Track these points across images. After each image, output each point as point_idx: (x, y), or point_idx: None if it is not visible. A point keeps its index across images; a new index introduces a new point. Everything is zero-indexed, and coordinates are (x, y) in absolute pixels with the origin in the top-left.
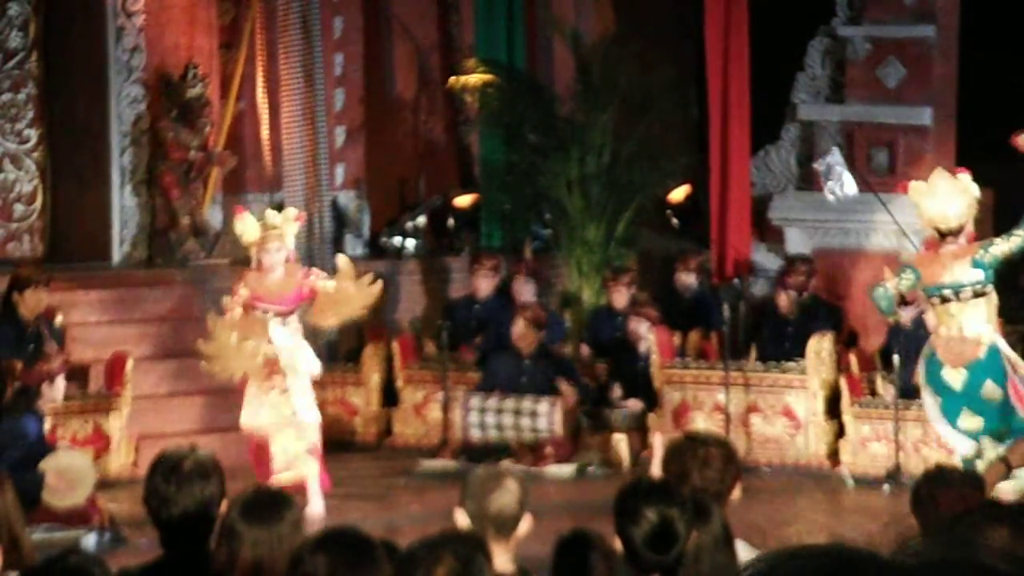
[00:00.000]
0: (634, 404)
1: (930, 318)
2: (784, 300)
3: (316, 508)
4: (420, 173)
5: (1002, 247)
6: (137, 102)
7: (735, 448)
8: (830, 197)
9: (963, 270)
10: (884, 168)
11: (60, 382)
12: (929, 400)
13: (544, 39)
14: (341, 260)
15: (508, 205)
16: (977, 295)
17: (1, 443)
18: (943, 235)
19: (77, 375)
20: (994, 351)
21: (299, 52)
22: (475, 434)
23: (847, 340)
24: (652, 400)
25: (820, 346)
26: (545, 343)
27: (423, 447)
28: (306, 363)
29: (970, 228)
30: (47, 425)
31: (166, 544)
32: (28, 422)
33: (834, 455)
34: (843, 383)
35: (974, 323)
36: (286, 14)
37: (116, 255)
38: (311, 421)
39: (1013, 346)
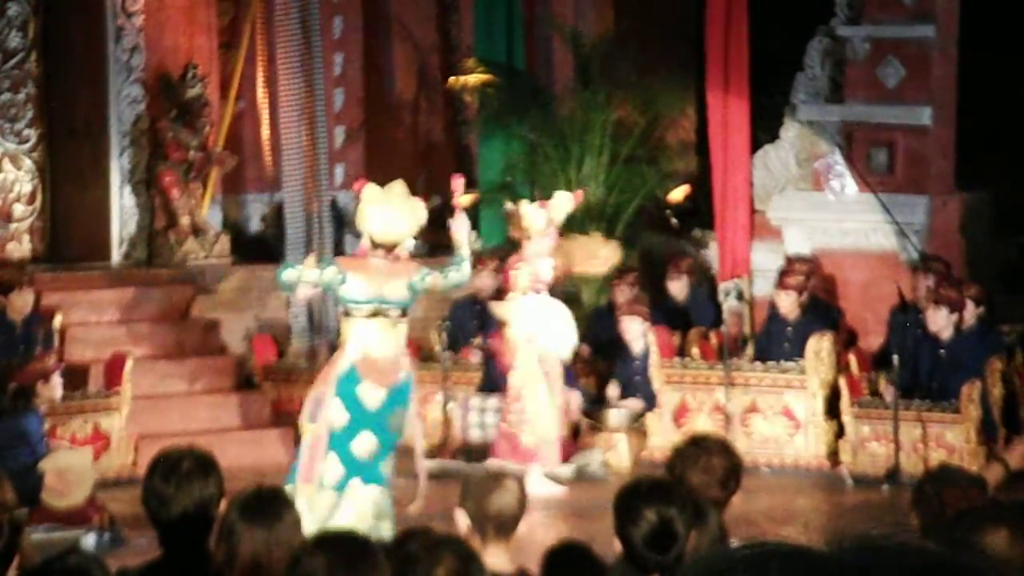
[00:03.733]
0: (633, 404)
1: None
2: (784, 300)
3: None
4: (420, 173)
5: (436, 279)
6: (137, 102)
7: (740, 458)
8: (831, 197)
9: (398, 289)
10: (884, 168)
11: (55, 380)
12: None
13: (544, 39)
14: None
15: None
16: (403, 315)
17: (1, 443)
18: (381, 246)
19: (77, 375)
20: (411, 378)
21: (299, 52)
22: (475, 434)
23: (847, 340)
24: (651, 400)
25: (820, 346)
26: None
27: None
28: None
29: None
30: (46, 425)
31: (165, 544)
32: (29, 421)
33: (834, 455)
34: (843, 383)
35: (397, 345)
36: (285, 14)
37: (116, 255)
38: None
39: (1013, 346)
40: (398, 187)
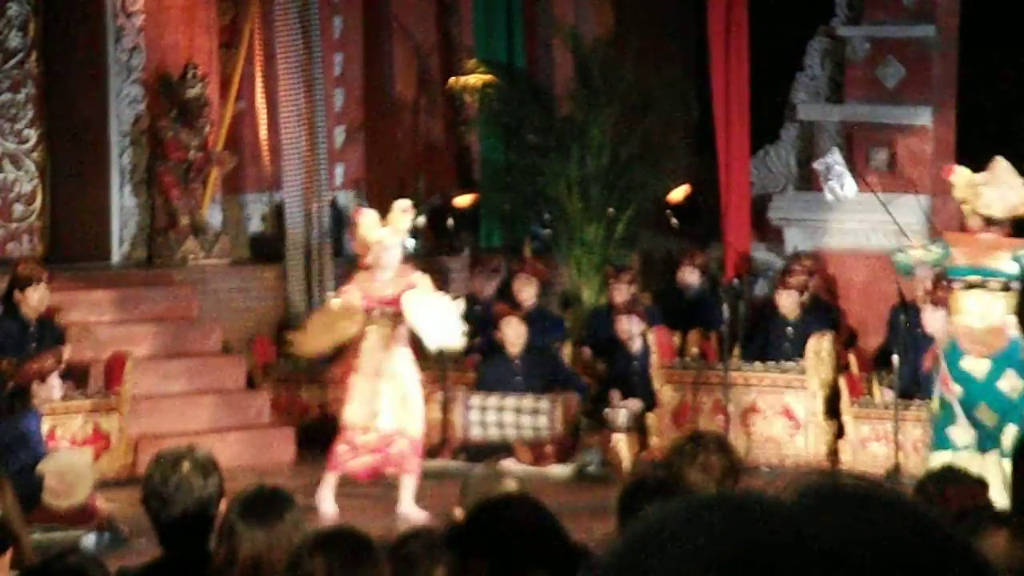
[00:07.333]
0: (633, 404)
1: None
2: (784, 300)
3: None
4: (420, 173)
5: None
6: (136, 102)
7: (737, 457)
8: (830, 197)
9: (1002, 261)
10: (884, 168)
11: (54, 381)
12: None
13: (544, 39)
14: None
15: (508, 205)
16: (1004, 288)
17: (2, 443)
18: (989, 223)
19: (77, 375)
20: (1016, 344)
21: (298, 52)
22: (476, 432)
23: (847, 340)
24: (651, 400)
25: (820, 346)
26: (535, 343)
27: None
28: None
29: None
30: (46, 426)
31: (165, 544)
32: (28, 421)
33: (834, 455)
34: (843, 383)
35: (994, 314)
36: (285, 14)
37: (116, 255)
38: (386, 430)
39: None
40: (1000, 163)
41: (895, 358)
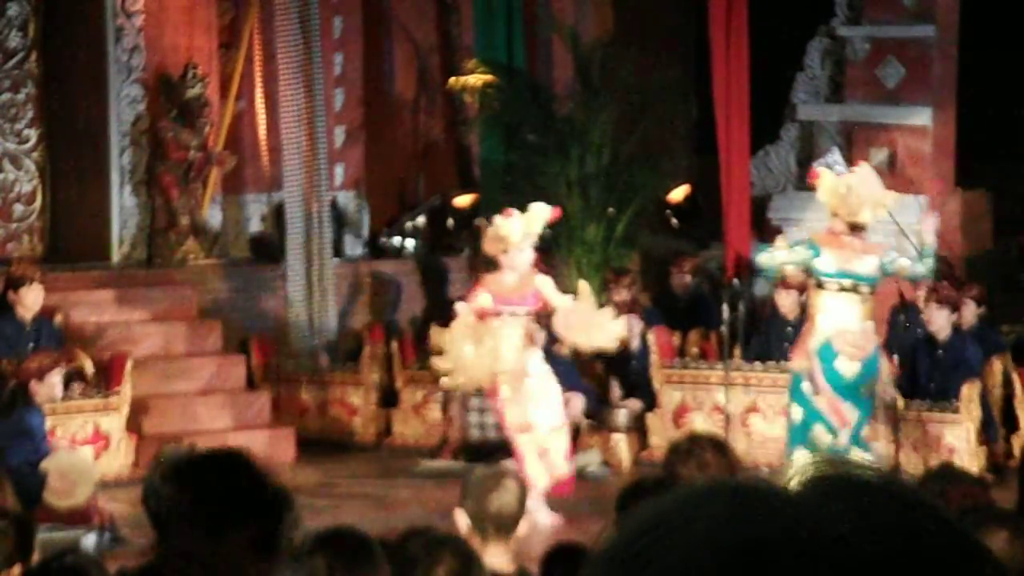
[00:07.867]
0: (633, 404)
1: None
2: (784, 300)
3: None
4: (420, 173)
5: (904, 264)
6: (136, 102)
7: (735, 456)
8: None
9: (871, 265)
10: (884, 168)
11: (54, 379)
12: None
13: (543, 39)
14: (583, 285)
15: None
16: (871, 293)
17: (3, 441)
18: (853, 227)
19: (76, 375)
20: (878, 348)
21: (298, 52)
22: (475, 434)
23: None
24: (651, 400)
25: None
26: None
27: (423, 447)
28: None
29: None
30: (46, 425)
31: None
32: (32, 418)
33: None
34: None
35: (858, 318)
36: (285, 14)
37: (116, 255)
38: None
39: (1011, 346)
40: (868, 169)
41: (895, 358)
